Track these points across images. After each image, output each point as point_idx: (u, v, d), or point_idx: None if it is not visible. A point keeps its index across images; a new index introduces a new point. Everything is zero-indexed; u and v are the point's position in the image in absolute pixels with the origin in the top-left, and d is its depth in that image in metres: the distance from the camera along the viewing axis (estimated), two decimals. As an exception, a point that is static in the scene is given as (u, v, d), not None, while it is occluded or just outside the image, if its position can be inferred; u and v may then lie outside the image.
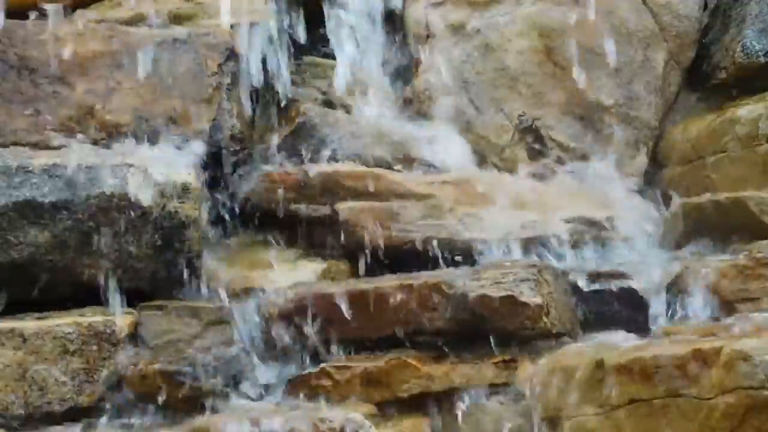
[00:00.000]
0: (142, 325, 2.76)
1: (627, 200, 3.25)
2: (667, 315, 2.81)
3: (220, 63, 3.08)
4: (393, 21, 3.42)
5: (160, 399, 2.69)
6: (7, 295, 2.75)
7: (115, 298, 2.80)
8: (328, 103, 3.29)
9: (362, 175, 3.05)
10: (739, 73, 3.28)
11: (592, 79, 3.30)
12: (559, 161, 3.30)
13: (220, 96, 3.06)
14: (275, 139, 3.17)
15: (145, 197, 2.78)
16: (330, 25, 3.32)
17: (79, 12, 3.19)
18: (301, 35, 3.31)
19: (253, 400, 2.72)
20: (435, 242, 2.96)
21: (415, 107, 3.34)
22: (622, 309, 2.84)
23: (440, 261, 2.95)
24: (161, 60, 3.05)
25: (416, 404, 2.73)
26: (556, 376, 2.62)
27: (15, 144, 2.94)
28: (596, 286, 2.85)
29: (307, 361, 2.77)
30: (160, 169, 2.83)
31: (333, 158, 3.14)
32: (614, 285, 2.85)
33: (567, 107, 3.31)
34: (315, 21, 3.34)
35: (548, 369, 2.65)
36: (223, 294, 2.86)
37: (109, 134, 2.99)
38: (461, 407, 2.74)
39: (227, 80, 3.08)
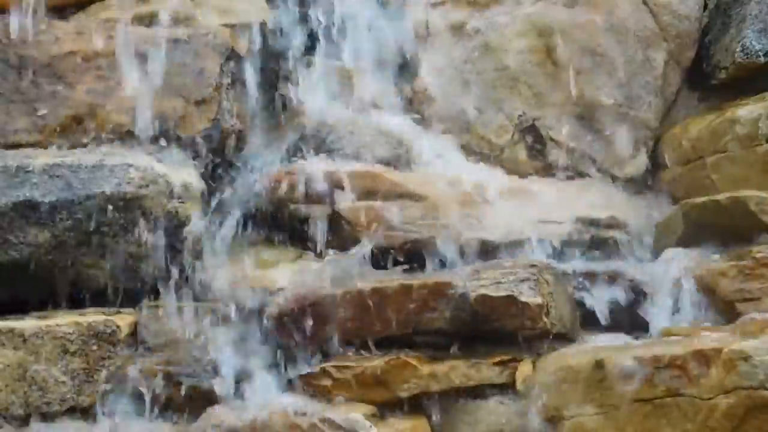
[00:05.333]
0: (142, 325, 2.76)
1: (627, 200, 3.26)
2: (667, 315, 2.81)
3: (220, 63, 3.08)
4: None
5: (160, 399, 2.69)
6: (7, 295, 2.75)
7: (114, 298, 2.81)
8: (328, 103, 3.29)
9: (362, 175, 3.05)
10: (739, 73, 3.28)
11: (592, 78, 3.30)
12: (559, 161, 3.30)
13: (220, 96, 3.06)
14: (275, 139, 3.17)
15: (145, 197, 2.78)
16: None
17: (79, 12, 3.19)
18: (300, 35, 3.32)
19: (253, 400, 2.72)
20: (435, 242, 2.96)
21: (415, 107, 3.34)
22: (623, 309, 2.84)
23: (440, 261, 2.95)
24: (161, 60, 3.05)
25: (416, 404, 2.73)
26: (556, 376, 2.62)
27: (15, 144, 2.94)
28: (596, 286, 2.85)
29: (308, 361, 2.77)
30: (160, 169, 2.83)
31: (333, 158, 3.14)
32: (614, 285, 2.85)
33: (567, 107, 3.31)
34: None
35: (548, 369, 2.65)
36: (222, 294, 2.86)
37: (109, 134, 2.99)
38: (461, 407, 2.74)
39: (227, 80, 3.09)
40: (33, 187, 2.75)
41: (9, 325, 2.67)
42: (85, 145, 2.96)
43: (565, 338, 2.78)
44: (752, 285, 2.74)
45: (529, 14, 3.34)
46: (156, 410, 2.69)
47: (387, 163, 3.15)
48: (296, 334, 2.77)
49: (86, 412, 2.68)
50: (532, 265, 2.80)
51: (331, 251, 2.99)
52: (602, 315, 2.84)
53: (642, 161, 3.35)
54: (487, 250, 2.96)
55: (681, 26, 3.38)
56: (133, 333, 2.75)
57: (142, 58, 3.04)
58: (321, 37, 3.30)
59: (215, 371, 2.73)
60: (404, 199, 3.02)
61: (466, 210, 3.03)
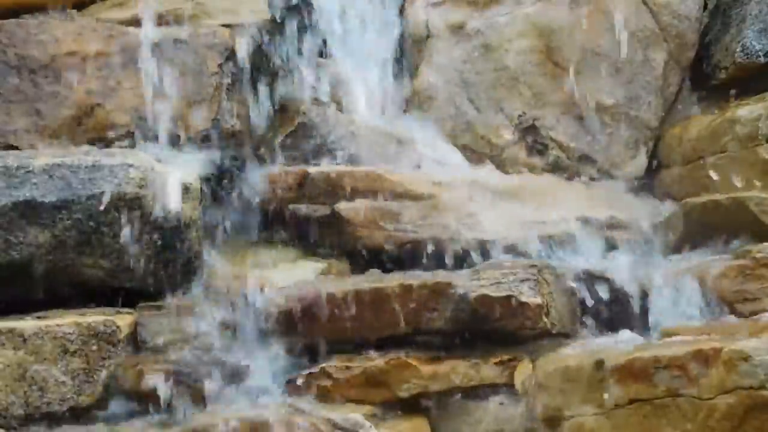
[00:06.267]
0: (142, 325, 2.76)
1: (627, 200, 3.26)
2: (667, 315, 2.81)
3: (220, 63, 3.08)
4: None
5: (160, 399, 2.69)
6: (7, 295, 2.75)
7: (114, 298, 2.81)
8: (328, 104, 3.29)
9: (362, 175, 3.05)
10: (739, 73, 3.28)
11: (592, 79, 3.30)
12: (559, 161, 3.30)
13: (220, 96, 3.06)
14: (275, 139, 3.17)
15: (145, 197, 2.78)
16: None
17: (79, 12, 3.19)
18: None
19: (253, 400, 2.72)
20: (435, 242, 2.96)
21: (415, 107, 3.34)
22: (622, 309, 2.84)
23: (440, 261, 2.95)
24: (161, 60, 3.05)
25: (416, 404, 2.73)
26: (555, 376, 2.62)
27: (15, 144, 2.94)
28: (597, 286, 2.85)
29: (307, 361, 2.77)
30: (160, 169, 2.83)
31: (333, 158, 3.15)
32: (615, 285, 2.85)
33: (567, 107, 3.31)
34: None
35: (548, 369, 2.65)
36: (222, 294, 2.86)
37: (109, 134, 2.99)
38: (461, 407, 2.74)
39: (227, 80, 3.09)
40: (33, 187, 2.75)
41: (9, 325, 2.67)
42: (86, 145, 2.97)
43: (565, 338, 2.78)
44: (752, 285, 2.74)
45: (529, 14, 3.34)
46: (156, 410, 2.69)
47: (387, 163, 3.15)
48: (296, 334, 2.77)
49: (86, 412, 2.67)
50: (532, 265, 2.79)
51: (330, 251, 3.00)
52: (602, 315, 2.84)
53: (642, 161, 3.35)
54: (487, 250, 2.96)
55: (681, 26, 3.38)
56: (133, 333, 2.75)
57: (142, 57, 3.04)
58: (321, 37, 3.30)
59: (215, 371, 2.73)
60: (404, 199, 3.02)
61: (465, 210, 3.03)
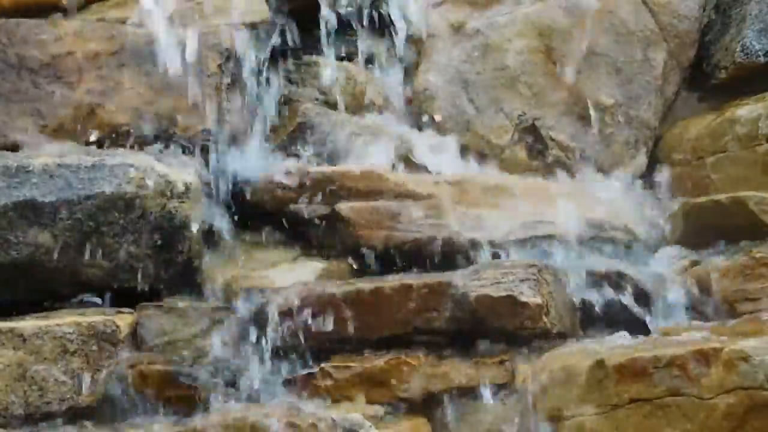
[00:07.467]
0: (142, 325, 2.76)
1: (627, 200, 3.26)
2: (667, 315, 2.81)
3: (220, 63, 3.08)
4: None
5: (160, 399, 2.69)
6: (7, 295, 2.75)
7: (114, 298, 2.81)
8: (328, 103, 3.29)
9: (362, 175, 3.05)
10: (739, 73, 3.28)
11: (592, 79, 3.31)
12: (559, 161, 3.30)
13: (220, 96, 3.06)
14: (275, 140, 3.17)
15: (145, 197, 2.78)
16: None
17: (79, 12, 3.19)
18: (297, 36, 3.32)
19: (253, 400, 2.72)
20: (435, 242, 2.96)
21: (415, 107, 3.34)
22: (622, 309, 2.84)
23: (440, 261, 2.95)
24: (161, 60, 3.05)
25: (416, 404, 2.73)
26: (556, 376, 2.62)
27: (15, 144, 2.94)
28: (596, 286, 2.85)
29: (307, 361, 2.77)
30: (160, 169, 2.83)
31: (333, 158, 3.15)
32: (615, 284, 2.85)
33: (567, 107, 3.31)
34: (314, 21, 3.35)
35: (548, 369, 2.65)
36: (222, 294, 2.86)
37: (109, 134, 2.99)
38: (461, 407, 2.74)
39: (227, 80, 3.09)
40: (33, 187, 2.75)
41: (9, 325, 2.67)
42: (85, 145, 2.97)
43: (565, 338, 2.78)
44: (752, 285, 2.74)
45: (528, 14, 3.35)
46: (156, 410, 2.69)
47: (387, 163, 3.15)
48: (296, 334, 2.77)
49: (86, 412, 2.67)
50: (532, 265, 2.79)
51: (330, 251, 3.00)
52: (602, 315, 2.84)
53: (642, 161, 3.35)
54: (487, 250, 2.96)
55: (681, 26, 3.38)
56: (133, 333, 2.75)
57: (142, 57, 3.04)
58: (322, 37, 3.30)
59: (215, 371, 2.73)
60: (404, 199, 3.02)
61: (465, 210, 3.03)
